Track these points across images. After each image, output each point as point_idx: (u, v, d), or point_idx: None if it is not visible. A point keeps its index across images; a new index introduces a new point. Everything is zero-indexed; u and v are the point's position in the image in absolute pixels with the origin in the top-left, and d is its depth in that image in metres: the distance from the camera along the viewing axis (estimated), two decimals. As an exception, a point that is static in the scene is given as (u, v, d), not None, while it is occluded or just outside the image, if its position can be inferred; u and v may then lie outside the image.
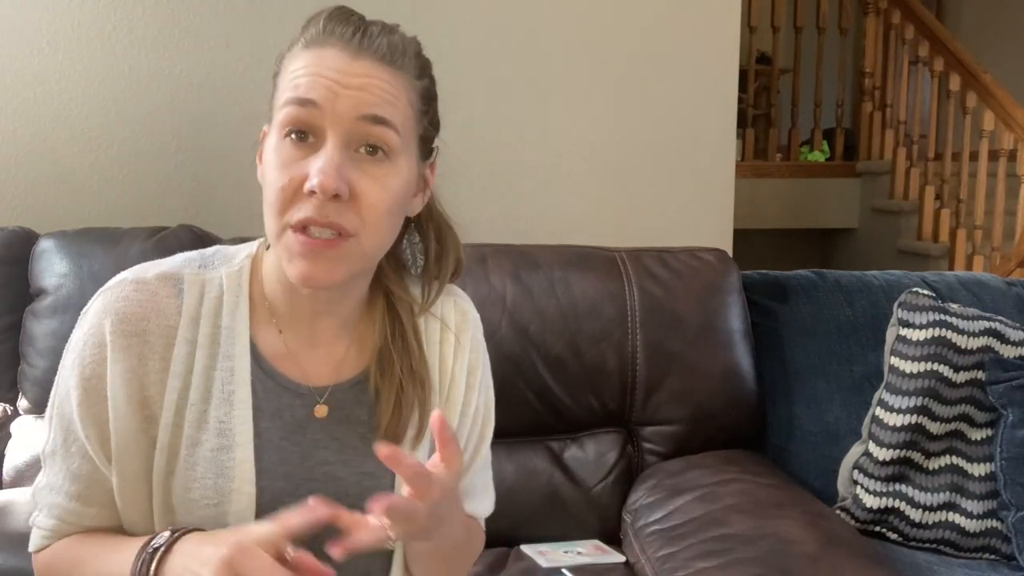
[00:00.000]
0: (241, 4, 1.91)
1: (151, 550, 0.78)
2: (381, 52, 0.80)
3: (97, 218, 1.87)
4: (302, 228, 0.78)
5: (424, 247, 0.96)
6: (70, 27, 1.86)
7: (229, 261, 0.90)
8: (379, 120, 0.79)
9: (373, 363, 0.90)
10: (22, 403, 1.61)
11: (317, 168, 0.77)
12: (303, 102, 0.78)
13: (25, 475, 1.53)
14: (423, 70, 0.86)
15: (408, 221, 0.92)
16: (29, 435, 1.57)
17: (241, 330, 0.86)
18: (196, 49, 1.90)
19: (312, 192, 0.77)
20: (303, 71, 0.79)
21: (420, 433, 0.91)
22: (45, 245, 1.63)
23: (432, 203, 0.95)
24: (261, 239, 0.91)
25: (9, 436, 1.59)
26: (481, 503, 1.02)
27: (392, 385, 0.89)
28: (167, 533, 0.80)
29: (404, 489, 0.77)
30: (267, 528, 0.74)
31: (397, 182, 0.82)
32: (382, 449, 0.72)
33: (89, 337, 0.83)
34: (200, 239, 1.66)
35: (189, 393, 0.84)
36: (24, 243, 1.66)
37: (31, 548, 0.89)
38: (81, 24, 1.86)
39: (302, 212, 0.78)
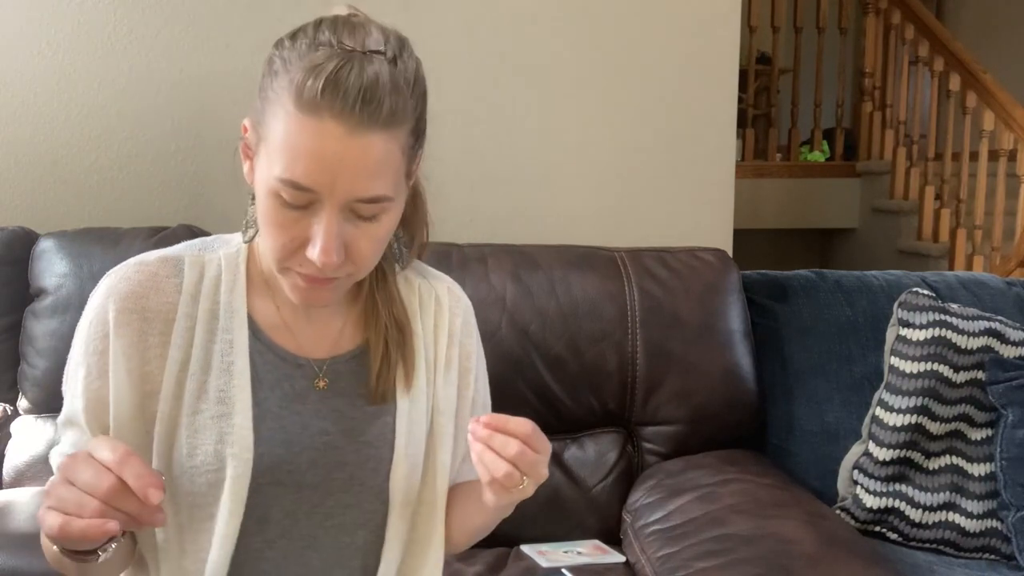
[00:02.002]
0: (241, 4, 1.91)
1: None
2: (383, 120, 0.76)
3: (97, 218, 1.87)
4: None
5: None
6: (70, 27, 1.86)
7: (228, 244, 0.94)
8: (375, 200, 0.79)
9: (370, 328, 0.93)
10: (22, 403, 1.61)
11: (319, 247, 0.78)
12: (299, 187, 0.77)
13: (25, 475, 1.53)
14: (419, 98, 0.82)
15: None
16: (29, 435, 1.57)
17: (239, 305, 0.89)
18: (196, 49, 1.90)
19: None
20: (299, 148, 0.76)
21: (408, 379, 0.93)
22: (45, 245, 1.64)
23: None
24: None
25: (9, 436, 1.59)
26: None
27: (379, 333, 0.92)
28: None
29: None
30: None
31: (390, 221, 0.83)
32: (477, 426, 0.80)
33: (94, 317, 0.86)
34: (200, 239, 1.66)
35: (189, 365, 0.86)
36: (24, 243, 1.66)
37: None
38: (81, 24, 1.86)
39: (304, 269, 0.81)
